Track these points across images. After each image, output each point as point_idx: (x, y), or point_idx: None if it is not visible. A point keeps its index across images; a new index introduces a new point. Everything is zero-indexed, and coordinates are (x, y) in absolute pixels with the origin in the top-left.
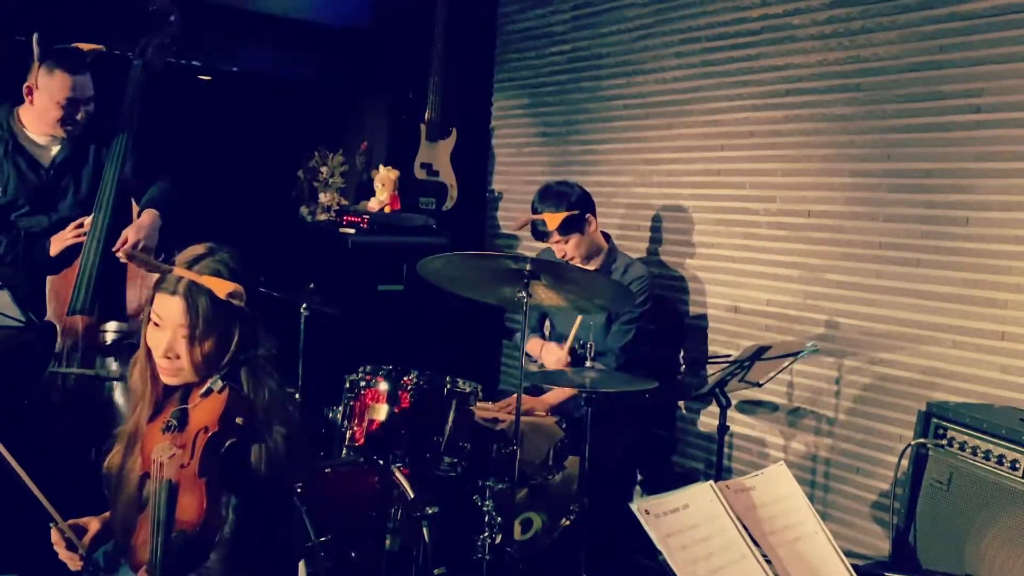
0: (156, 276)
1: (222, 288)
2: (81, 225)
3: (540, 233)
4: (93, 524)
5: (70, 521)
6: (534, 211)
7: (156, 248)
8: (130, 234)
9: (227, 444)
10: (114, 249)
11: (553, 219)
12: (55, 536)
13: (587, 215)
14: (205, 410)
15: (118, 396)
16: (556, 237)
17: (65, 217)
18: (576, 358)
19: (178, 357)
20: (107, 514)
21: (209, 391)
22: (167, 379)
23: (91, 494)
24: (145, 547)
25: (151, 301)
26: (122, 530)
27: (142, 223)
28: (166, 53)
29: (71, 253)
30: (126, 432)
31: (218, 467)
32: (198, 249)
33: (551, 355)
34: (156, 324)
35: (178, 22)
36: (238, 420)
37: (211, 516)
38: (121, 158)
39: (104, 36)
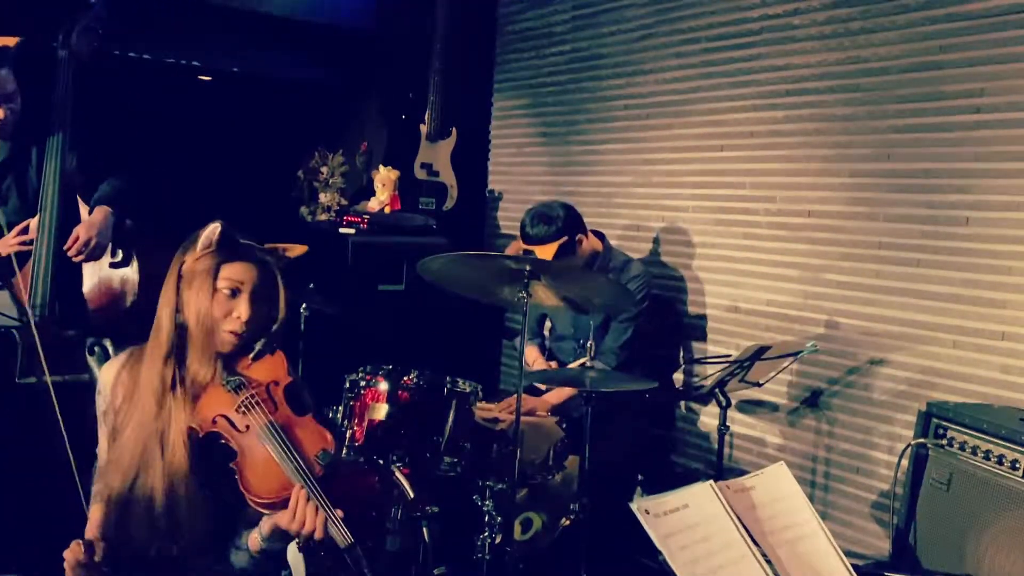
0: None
1: (297, 248)
2: (26, 230)
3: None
4: (100, 543)
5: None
6: (526, 240)
7: (133, 245)
8: (81, 232)
9: (303, 392)
10: (65, 248)
11: (546, 252)
12: (77, 552)
13: (577, 236)
14: (265, 369)
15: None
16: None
17: (11, 222)
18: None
19: (249, 319)
20: (97, 531)
21: (261, 353)
22: (230, 342)
23: (66, 503)
24: (268, 482)
25: (215, 274)
26: (192, 525)
27: (93, 220)
28: (92, 40)
29: (21, 257)
30: (154, 430)
31: (308, 407)
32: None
33: (541, 366)
34: (232, 292)
35: (102, 5)
36: (293, 375)
37: (331, 440)
38: (60, 154)
39: (37, 29)
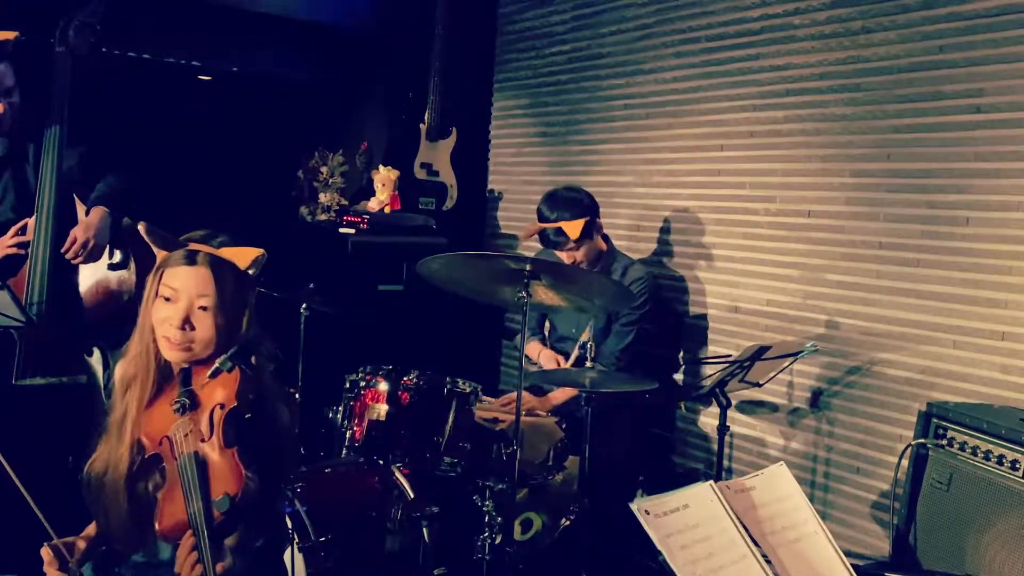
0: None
1: (245, 256)
2: (24, 230)
3: (553, 242)
4: (80, 543)
5: (61, 540)
6: (543, 219)
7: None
8: (79, 233)
9: (246, 417)
10: (63, 250)
11: (573, 227)
12: (48, 556)
13: (597, 219)
14: (217, 389)
15: (96, 397)
16: (571, 245)
17: (8, 221)
18: (576, 360)
19: (193, 328)
20: (90, 530)
21: (218, 371)
22: (174, 355)
23: (66, 505)
24: (175, 517)
25: (159, 278)
26: (117, 518)
27: (90, 221)
28: (89, 36)
29: (17, 258)
30: (114, 420)
31: (243, 437)
32: (200, 232)
33: (549, 364)
34: (167, 299)
35: (99, 1)
36: (250, 396)
37: (248, 479)
38: (57, 152)
39: (34, 25)
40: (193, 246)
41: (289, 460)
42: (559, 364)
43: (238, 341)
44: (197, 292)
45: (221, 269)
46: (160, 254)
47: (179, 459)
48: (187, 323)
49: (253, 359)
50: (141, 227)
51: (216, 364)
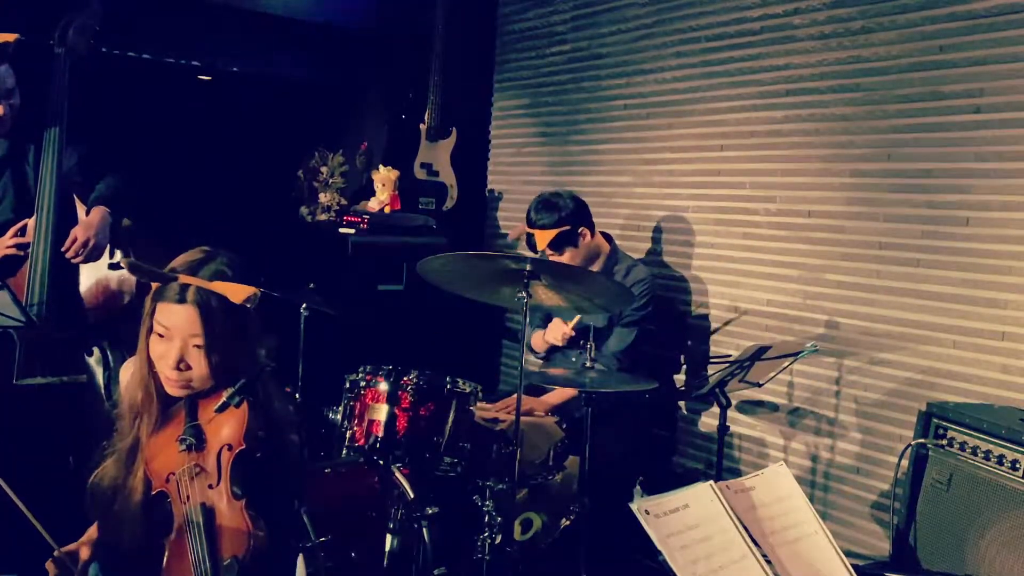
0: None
1: (238, 293)
2: (23, 230)
3: (533, 246)
4: (84, 551)
5: (63, 549)
6: (529, 223)
7: (145, 250)
8: (79, 233)
9: (256, 456)
10: (63, 249)
11: (543, 237)
12: (53, 571)
13: (580, 228)
14: (224, 425)
15: (96, 400)
16: (549, 252)
17: (8, 221)
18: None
19: (189, 368)
20: (91, 534)
21: (225, 405)
22: (174, 391)
23: (67, 505)
24: (183, 573)
25: (152, 312)
26: (130, 546)
27: (91, 221)
28: (88, 37)
29: (16, 259)
30: (123, 448)
31: (252, 485)
32: (195, 254)
33: (556, 329)
34: (161, 336)
35: (98, 2)
36: (260, 433)
37: (257, 535)
38: (56, 152)
39: (33, 26)
40: (183, 279)
41: (299, 488)
42: (563, 326)
43: (243, 374)
44: (189, 332)
45: (210, 307)
46: (154, 284)
47: (186, 508)
48: (182, 362)
49: (260, 389)
50: (124, 263)
51: (224, 398)
